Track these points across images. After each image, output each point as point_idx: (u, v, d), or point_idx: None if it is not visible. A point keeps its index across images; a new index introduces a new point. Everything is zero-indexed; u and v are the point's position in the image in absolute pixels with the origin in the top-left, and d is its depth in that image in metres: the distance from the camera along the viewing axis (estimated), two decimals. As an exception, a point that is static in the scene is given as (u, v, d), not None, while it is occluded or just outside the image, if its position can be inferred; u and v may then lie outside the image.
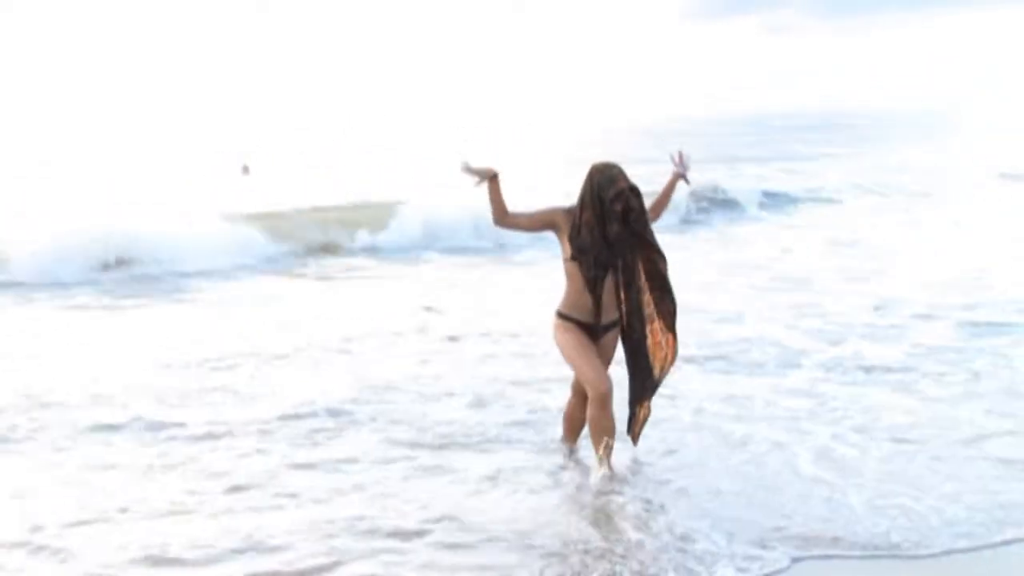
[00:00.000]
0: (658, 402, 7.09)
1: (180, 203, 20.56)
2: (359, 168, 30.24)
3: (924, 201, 23.91)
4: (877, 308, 11.41)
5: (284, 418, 7.62)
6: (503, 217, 6.22)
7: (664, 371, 6.37)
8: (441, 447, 7.10)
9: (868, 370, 8.89)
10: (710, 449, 7.02)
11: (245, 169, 27.07)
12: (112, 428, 7.40)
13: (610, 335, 6.37)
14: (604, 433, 6.27)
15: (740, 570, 5.35)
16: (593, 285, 6.16)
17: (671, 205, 6.91)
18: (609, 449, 6.31)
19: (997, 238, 17.43)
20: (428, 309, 11.49)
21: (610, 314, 6.30)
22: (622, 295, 6.21)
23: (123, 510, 6.00)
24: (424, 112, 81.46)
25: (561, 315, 6.34)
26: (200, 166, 29.33)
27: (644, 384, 6.39)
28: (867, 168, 30.34)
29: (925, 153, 38.08)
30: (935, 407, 7.89)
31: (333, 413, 7.73)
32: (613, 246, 6.09)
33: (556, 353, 6.67)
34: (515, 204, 6.39)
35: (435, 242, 16.79)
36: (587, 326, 6.30)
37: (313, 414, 7.71)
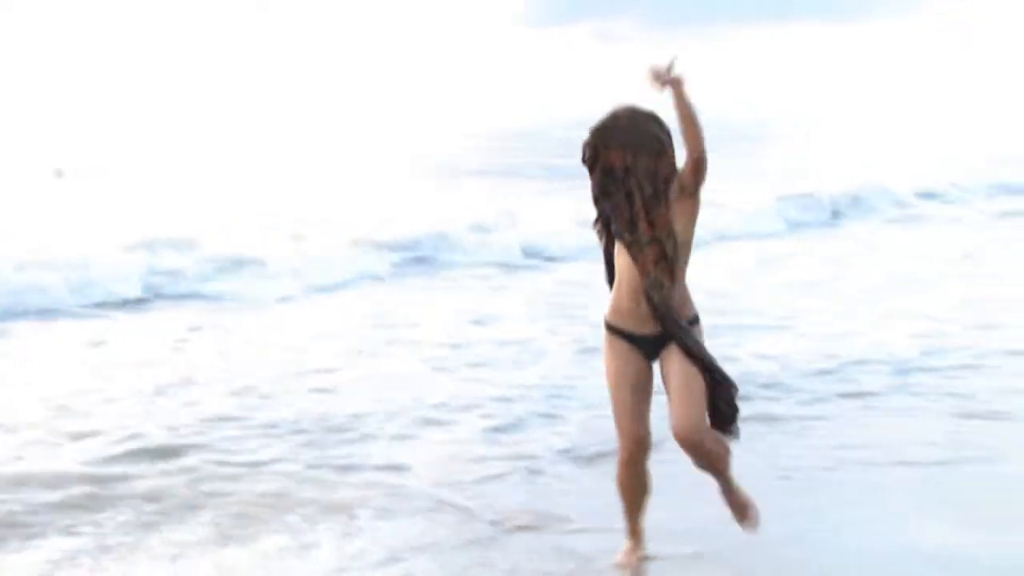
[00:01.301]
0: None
1: None
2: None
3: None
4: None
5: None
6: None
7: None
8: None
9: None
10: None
11: (58, 173, 24.05)
12: None
13: (673, 354, 4.71)
14: (635, 496, 4.92)
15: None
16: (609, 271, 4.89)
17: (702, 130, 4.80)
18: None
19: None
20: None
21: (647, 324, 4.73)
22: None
23: None
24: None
25: (606, 325, 4.86)
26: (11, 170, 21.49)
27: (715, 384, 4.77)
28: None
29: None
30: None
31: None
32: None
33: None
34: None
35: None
36: (630, 337, 4.77)
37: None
